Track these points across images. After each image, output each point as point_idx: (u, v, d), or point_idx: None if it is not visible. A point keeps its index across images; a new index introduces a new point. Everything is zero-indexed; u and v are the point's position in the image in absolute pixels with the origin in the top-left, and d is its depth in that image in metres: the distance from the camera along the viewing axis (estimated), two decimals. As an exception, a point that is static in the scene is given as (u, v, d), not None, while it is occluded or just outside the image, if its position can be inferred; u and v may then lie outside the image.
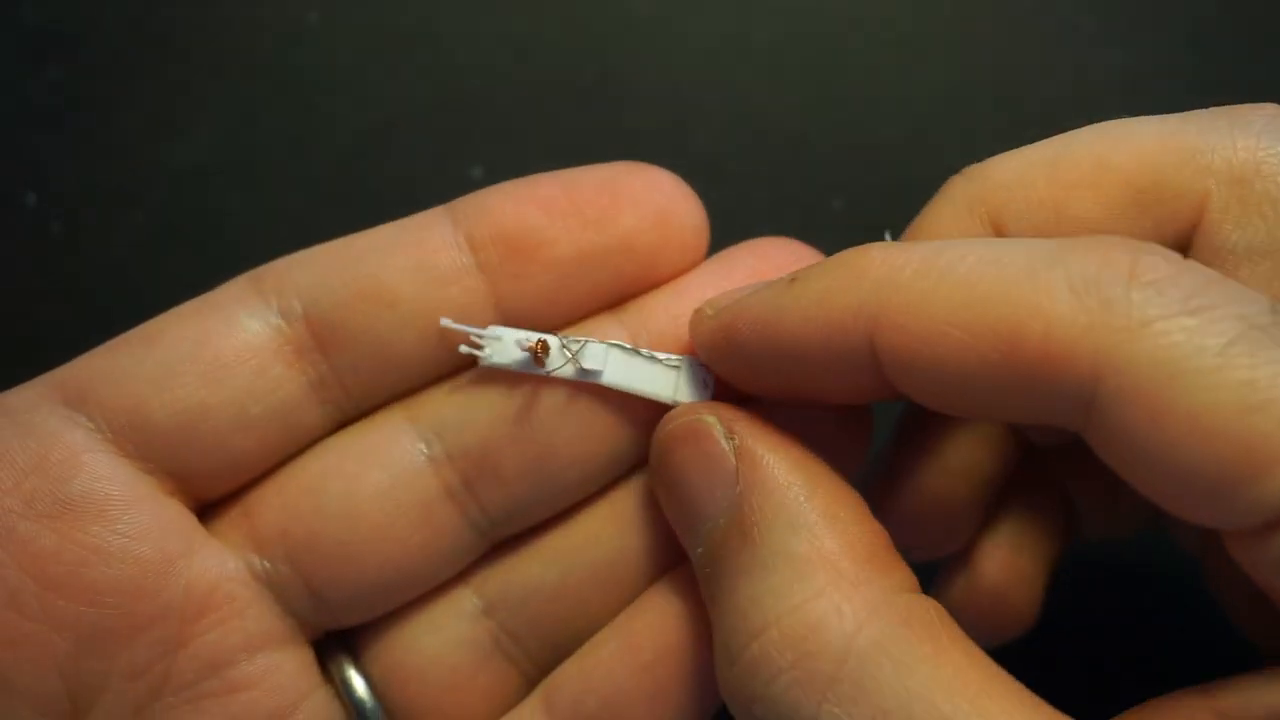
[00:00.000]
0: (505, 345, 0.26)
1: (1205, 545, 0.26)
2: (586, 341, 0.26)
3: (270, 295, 0.26)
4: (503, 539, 0.28)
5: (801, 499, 0.22)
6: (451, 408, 0.27)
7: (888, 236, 0.25)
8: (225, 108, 0.38)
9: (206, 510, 0.27)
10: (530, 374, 0.26)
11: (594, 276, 0.27)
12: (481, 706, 0.27)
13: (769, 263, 0.27)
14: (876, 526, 0.23)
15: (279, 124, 0.38)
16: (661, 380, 0.26)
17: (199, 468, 0.26)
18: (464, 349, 0.26)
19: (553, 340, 0.26)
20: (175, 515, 0.26)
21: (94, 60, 0.39)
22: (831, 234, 0.37)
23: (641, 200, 0.27)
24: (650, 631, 0.26)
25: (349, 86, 0.39)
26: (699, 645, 0.25)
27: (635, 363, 0.26)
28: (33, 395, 0.25)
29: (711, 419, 0.24)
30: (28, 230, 0.37)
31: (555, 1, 0.39)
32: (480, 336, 0.26)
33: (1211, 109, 0.23)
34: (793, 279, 0.22)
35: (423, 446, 0.27)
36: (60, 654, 0.24)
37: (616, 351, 0.26)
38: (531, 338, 0.26)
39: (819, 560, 0.21)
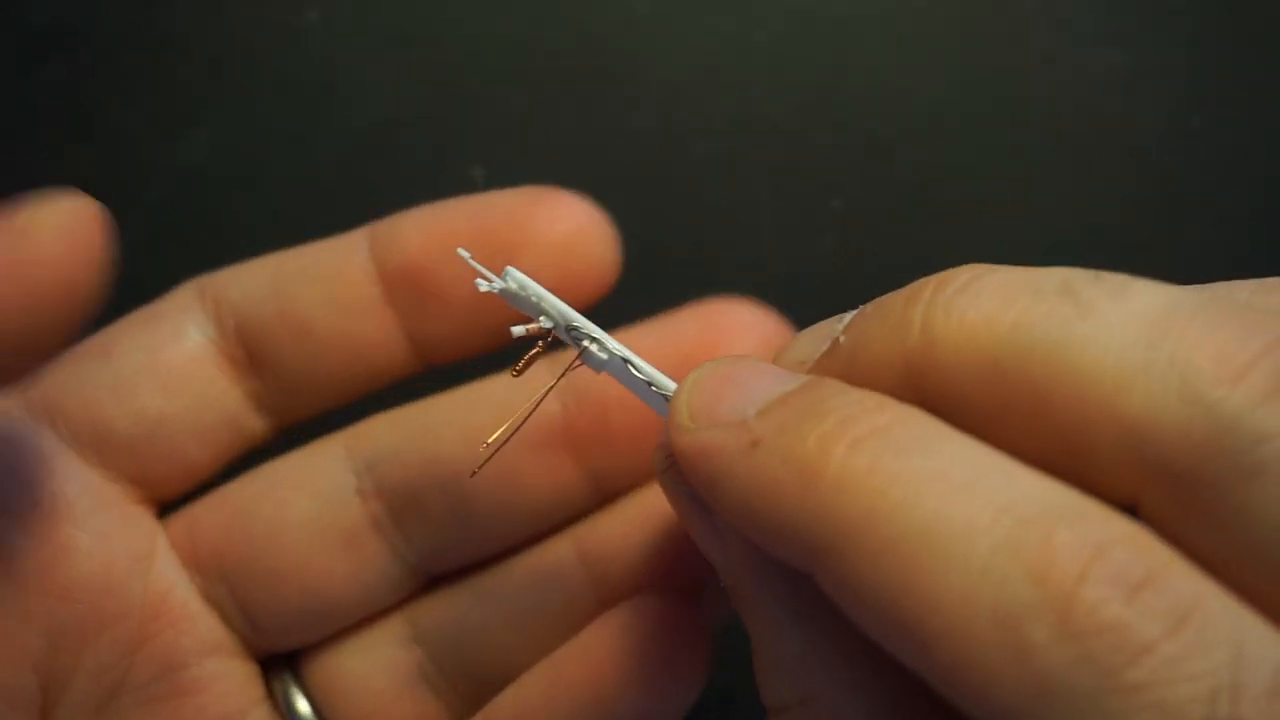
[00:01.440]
0: (518, 300, 0.24)
1: None
2: (585, 348, 0.24)
3: (209, 308, 0.27)
4: (438, 573, 0.28)
5: (790, 586, 0.20)
6: (388, 441, 0.27)
7: (843, 323, 0.22)
8: (225, 108, 0.38)
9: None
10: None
11: (500, 313, 0.26)
12: None
13: (716, 329, 0.27)
14: None
15: (279, 124, 0.38)
16: (653, 401, 0.24)
17: (159, 474, 0.26)
18: (480, 285, 0.24)
19: (561, 325, 0.24)
20: (140, 518, 0.26)
21: (94, 60, 0.39)
22: (831, 234, 0.37)
23: (545, 233, 0.26)
24: (579, 674, 0.26)
25: (349, 86, 0.39)
26: (628, 690, 0.25)
27: (633, 378, 0.24)
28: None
29: (684, 489, 0.22)
30: (28, 230, 0.37)
31: (555, 1, 0.39)
32: (489, 282, 0.24)
33: (1198, 298, 0.18)
34: (754, 443, 0.19)
35: (353, 478, 0.27)
36: (34, 650, 0.24)
37: (617, 363, 0.24)
38: (550, 306, 0.23)
39: (817, 659, 0.20)
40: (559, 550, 0.28)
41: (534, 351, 0.24)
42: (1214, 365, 0.17)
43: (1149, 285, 0.18)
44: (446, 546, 0.27)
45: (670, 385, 0.24)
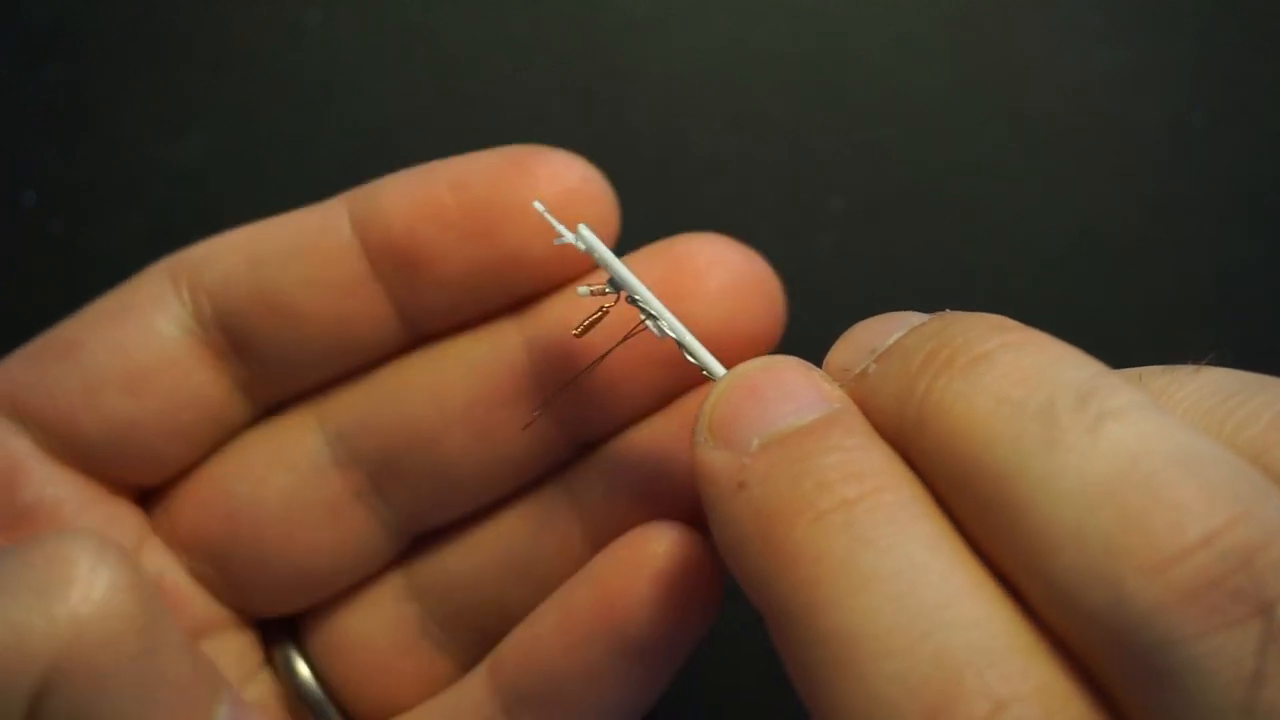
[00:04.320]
0: (591, 249, 0.23)
1: None
2: (644, 322, 0.24)
3: (185, 295, 0.26)
4: (426, 532, 0.28)
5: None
6: (359, 410, 0.27)
7: (883, 344, 0.22)
8: (225, 108, 0.38)
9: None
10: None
11: (487, 289, 0.26)
12: (412, 688, 0.27)
13: (683, 268, 0.26)
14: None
15: (279, 124, 0.38)
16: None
17: (136, 473, 0.26)
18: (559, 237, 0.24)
19: (625, 292, 0.24)
20: (125, 512, 0.26)
21: (94, 60, 0.39)
22: (831, 234, 0.37)
23: (537, 194, 0.25)
24: (591, 604, 0.25)
25: (349, 86, 0.39)
26: (642, 617, 0.24)
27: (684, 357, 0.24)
28: None
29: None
30: (28, 230, 0.37)
31: (555, 1, 0.39)
32: (561, 236, 0.24)
33: None
34: (741, 484, 0.20)
35: (327, 448, 0.27)
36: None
37: (672, 340, 0.24)
38: (614, 272, 0.23)
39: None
40: (548, 497, 0.27)
41: (596, 314, 0.24)
42: (1143, 548, 0.16)
43: (1135, 419, 0.17)
44: (429, 507, 0.27)
45: (719, 371, 0.24)
